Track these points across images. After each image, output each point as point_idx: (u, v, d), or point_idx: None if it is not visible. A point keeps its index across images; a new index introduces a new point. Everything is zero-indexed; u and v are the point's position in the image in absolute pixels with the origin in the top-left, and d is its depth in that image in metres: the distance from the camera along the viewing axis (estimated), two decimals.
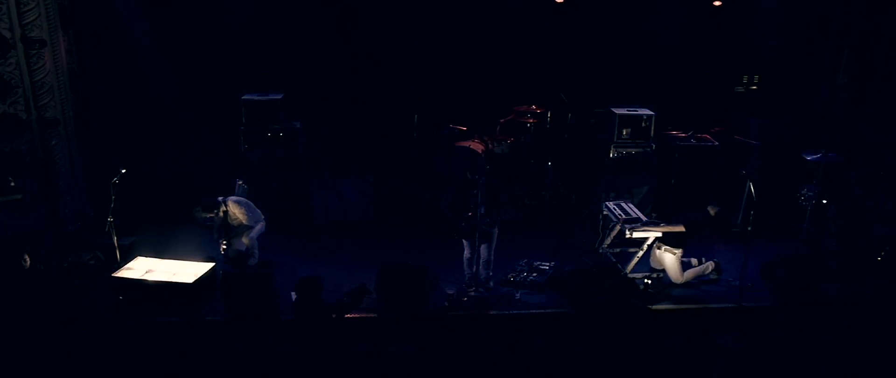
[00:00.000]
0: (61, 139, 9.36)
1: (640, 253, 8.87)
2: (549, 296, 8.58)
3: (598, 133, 11.03)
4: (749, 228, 8.35)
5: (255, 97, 10.38)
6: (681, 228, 8.58)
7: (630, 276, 8.88)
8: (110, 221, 8.32)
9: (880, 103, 10.96)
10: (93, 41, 10.32)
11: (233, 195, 9.24)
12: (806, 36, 11.38)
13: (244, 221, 8.81)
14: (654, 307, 8.26)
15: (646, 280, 8.72)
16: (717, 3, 11.20)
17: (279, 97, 10.42)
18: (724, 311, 8.37)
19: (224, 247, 8.75)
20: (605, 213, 9.49)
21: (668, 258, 8.68)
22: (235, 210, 8.80)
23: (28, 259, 8.50)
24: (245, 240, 8.83)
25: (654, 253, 8.86)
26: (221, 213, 8.75)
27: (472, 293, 8.46)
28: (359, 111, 11.53)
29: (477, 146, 10.95)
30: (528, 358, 7.23)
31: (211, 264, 8.43)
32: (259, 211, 9.06)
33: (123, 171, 8.47)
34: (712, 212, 8.77)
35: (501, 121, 11.41)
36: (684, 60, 11.71)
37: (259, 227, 8.97)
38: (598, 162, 10.81)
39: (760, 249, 9.24)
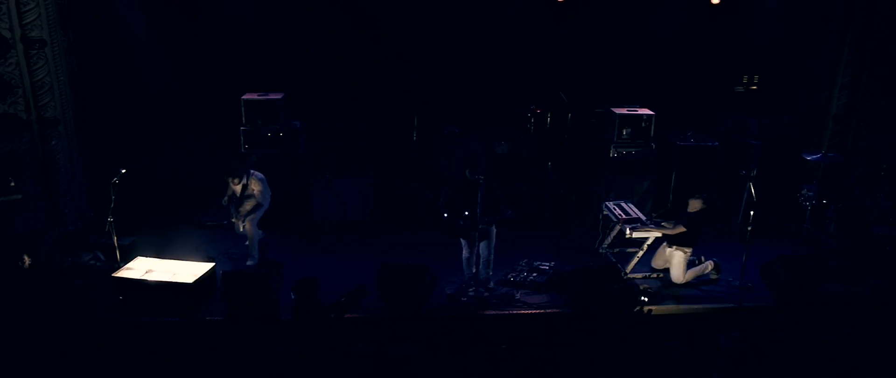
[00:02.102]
0: (61, 139, 9.37)
1: (641, 253, 8.88)
2: (549, 296, 8.58)
3: (598, 133, 11.03)
4: (749, 228, 8.34)
5: (255, 97, 10.38)
6: (682, 229, 8.57)
7: (630, 276, 8.89)
8: (110, 221, 8.33)
9: (880, 103, 10.93)
10: (93, 41, 10.31)
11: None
12: (806, 35, 11.36)
13: (257, 197, 9.09)
14: (655, 307, 8.26)
15: (645, 282, 8.71)
16: (715, 1, 11.17)
17: (279, 97, 10.42)
18: (725, 311, 8.37)
19: (236, 219, 9.14)
20: (605, 213, 9.49)
21: (678, 257, 8.67)
22: (255, 185, 9.09)
23: (28, 259, 8.50)
24: (247, 225, 9.07)
25: (664, 251, 8.85)
26: (241, 186, 9.00)
27: (472, 293, 8.46)
28: (359, 111, 11.52)
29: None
30: (527, 358, 7.21)
31: (211, 264, 8.44)
32: (270, 193, 9.30)
33: (123, 171, 8.48)
34: (698, 205, 8.66)
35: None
36: (684, 60, 11.69)
37: (263, 208, 9.20)
38: (598, 162, 10.80)
39: (760, 249, 9.23)
